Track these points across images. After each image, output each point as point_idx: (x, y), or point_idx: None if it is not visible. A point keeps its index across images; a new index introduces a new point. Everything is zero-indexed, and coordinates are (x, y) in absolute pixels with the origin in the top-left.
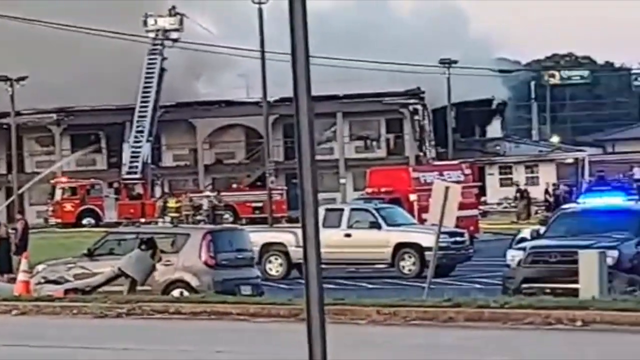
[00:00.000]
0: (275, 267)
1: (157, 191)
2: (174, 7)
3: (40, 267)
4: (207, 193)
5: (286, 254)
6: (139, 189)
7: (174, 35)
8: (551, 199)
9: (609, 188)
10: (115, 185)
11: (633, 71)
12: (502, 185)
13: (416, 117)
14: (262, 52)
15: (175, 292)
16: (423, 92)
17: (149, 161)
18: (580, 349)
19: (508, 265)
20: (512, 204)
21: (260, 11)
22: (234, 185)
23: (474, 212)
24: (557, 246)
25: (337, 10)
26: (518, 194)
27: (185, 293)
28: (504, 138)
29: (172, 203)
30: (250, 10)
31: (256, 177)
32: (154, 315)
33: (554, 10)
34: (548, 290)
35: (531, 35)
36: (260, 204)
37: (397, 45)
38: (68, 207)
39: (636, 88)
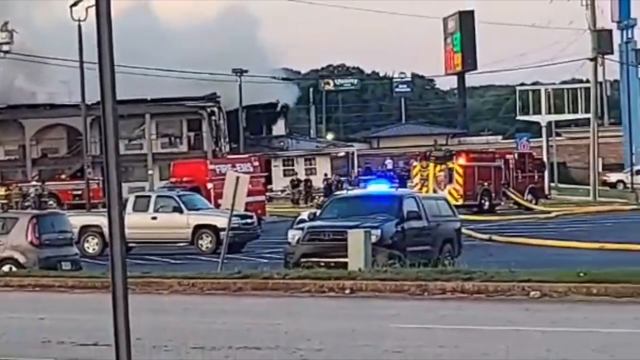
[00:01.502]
0: (92, 245)
1: None
2: (6, 24)
3: None
4: (34, 183)
5: (101, 234)
6: None
7: (5, 47)
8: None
9: (375, 177)
10: None
11: (394, 80)
12: (285, 175)
13: (213, 118)
14: (81, 62)
15: (5, 268)
16: (219, 97)
17: None
18: (348, 311)
19: (289, 243)
20: (295, 191)
21: (79, 27)
22: (57, 176)
23: (261, 197)
24: (330, 226)
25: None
26: (291, 184)
27: (14, 268)
28: (287, 135)
29: (2, 191)
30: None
31: (76, 169)
32: None
33: (329, 26)
34: (323, 264)
35: (310, 48)
36: (79, 192)
37: (198, 55)
38: None
39: (397, 94)
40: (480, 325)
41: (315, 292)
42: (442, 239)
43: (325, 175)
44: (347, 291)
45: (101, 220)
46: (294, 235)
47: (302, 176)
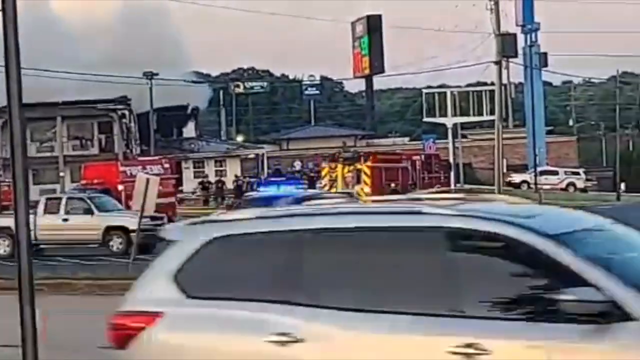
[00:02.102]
0: (3, 247)
1: None
2: None
3: None
4: None
5: (12, 236)
6: None
7: None
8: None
9: (283, 179)
10: None
11: (304, 82)
12: (195, 177)
13: (124, 121)
14: None
15: None
16: (129, 100)
17: None
18: None
19: None
20: (205, 192)
21: None
22: None
23: (172, 199)
24: None
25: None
26: (201, 185)
27: None
28: (198, 138)
29: None
30: None
31: None
32: None
33: (239, 30)
34: None
35: (221, 52)
36: None
37: (108, 57)
38: None
39: (306, 96)
40: None
41: None
42: None
43: (236, 176)
44: None
45: (12, 223)
46: None
47: (212, 178)
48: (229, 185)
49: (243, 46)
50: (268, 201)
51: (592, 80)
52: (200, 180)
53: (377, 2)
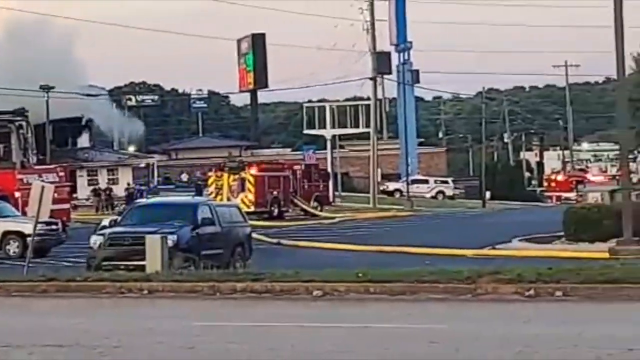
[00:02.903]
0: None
1: None
2: None
3: None
4: None
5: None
6: None
7: None
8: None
9: (172, 187)
10: None
11: (192, 96)
12: (89, 184)
13: (21, 131)
14: None
15: None
16: (27, 111)
17: None
18: (146, 311)
19: (91, 248)
20: (97, 199)
21: None
22: None
23: (66, 205)
24: (130, 232)
25: None
26: (93, 192)
27: None
28: (91, 147)
29: None
30: None
31: None
32: None
33: (132, 45)
34: (122, 267)
35: (115, 66)
36: None
37: (4, 73)
38: None
39: (194, 109)
40: (268, 322)
41: (115, 293)
42: (234, 243)
43: (128, 184)
44: (145, 292)
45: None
46: (95, 240)
47: (105, 185)
48: (120, 192)
49: (136, 61)
50: (156, 207)
51: (461, 96)
52: (92, 188)
53: (261, 21)
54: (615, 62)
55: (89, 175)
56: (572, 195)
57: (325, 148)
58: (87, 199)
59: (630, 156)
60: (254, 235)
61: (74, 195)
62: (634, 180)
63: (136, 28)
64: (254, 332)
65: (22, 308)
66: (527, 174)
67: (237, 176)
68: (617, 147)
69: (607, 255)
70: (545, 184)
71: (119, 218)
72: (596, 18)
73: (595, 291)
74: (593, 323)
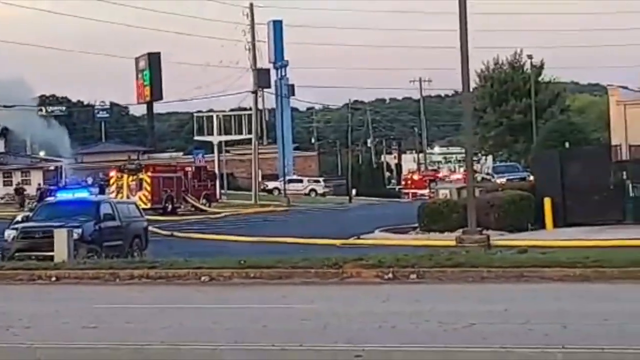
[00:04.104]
0: None
1: None
2: None
3: None
4: None
5: None
6: None
7: None
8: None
9: (78, 186)
10: None
11: (96, 107)
12: (4, 185)
13: None
14: None
15: None
16: None
17: None
18: (54, 295)
19: (6, 241)
20: (12, 198)
21: None
22: None
23: None
24: (40, 226)
25: None
26: (15, 192)
27: None
28: (7, 153)
29: None
30: None
31: None
32: None
33: (43, 63)
34: (34, 257)
35: (26, 81)
36: None
37: None
38: None
39: (98, 119)
40: (162, 304)
41: (27, 280)
42: (132, 235)
43: (39, 184)
44: (54, 279)
45: None
46: (9, 234)
47: (19, 186)
48: (33, 192)
49: (46, 76)
50: (63, 204)
51: (330, 107)
52: (15, 187)
53: (156, 41)
54: (461, 77)
55: (4, 176)
56: (425, 192)
57: (213, 152)
58: (1, 198)
59: (475, 158)
60: (150, 228)
61: None
62: (478, 179)
63: (45, 47)
64: (149, 312)
65: None
66: (387, 174)
67: (135, 177)
68: (463, 150)
69: (454, 243)
70: (402, 182)
71: (31, 214)
72: (446, 40)
73: (444, 274)
74: (442, 301)
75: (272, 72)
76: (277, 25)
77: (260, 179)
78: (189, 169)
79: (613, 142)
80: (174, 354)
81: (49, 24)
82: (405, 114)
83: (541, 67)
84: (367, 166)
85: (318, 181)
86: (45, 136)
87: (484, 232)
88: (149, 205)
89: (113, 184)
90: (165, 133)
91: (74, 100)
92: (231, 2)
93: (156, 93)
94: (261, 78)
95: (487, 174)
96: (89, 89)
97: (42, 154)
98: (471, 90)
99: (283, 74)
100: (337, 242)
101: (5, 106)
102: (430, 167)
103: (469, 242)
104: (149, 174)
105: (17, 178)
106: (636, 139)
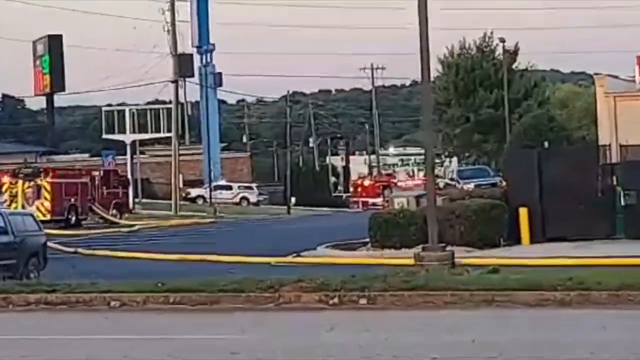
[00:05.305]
0: None
1: None
2: None
3: None
4: None
5: None
6: None
7: None
8: None
9: None
10: None
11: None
12: None
13: None
14: None
15: None
16: None
17: None
18: None
19: None
20: None
21: None
22: None
23: None
24: None
25: None
26: None
27: None
28: None
29: None
30: None
31: None
32: None
33: None
34: None
35: None
36: None
37: None
38: None
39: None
40: (63, 334)
41: None
42: (28, 253)
43: None
44: None
45: None
46: None
47: None
48: None
49: None
50: None
51: (265, 99)
52: None
53: (58, 22)
54: (420, 64)
55: None
56: (378, 200)
57: (125, 153)
58: None
59: (437, 160)
60: (49, 244)
61: None
62: (441, 185)
63: None
64: (48, 344)
65: None
66: (333, 179)
67: (32, 183)
68: (422, 151)
69: (412, 261)
70: (351, 189)
71: None
72: (401, 19)
73: (401, 298)
74: (398, 330)
75: (196, 58)
76: (202, 3)
77: (181, 185)
78: (97, 173)
79: (601, 141)
80: None
81: None
82: (354, 108)
83: (515, 52)
84: (308, 170)
85: (250, 188)
86: None
87: (448, 248)
88: (48, 217)
89: (5, 191)
90: (68, 130)
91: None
92: None
93: (57, 83)
94: (183, 65)
95: (452, 179)
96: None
97: None
98: (432, 79)
99: (209, 60)
100: (272, 260)
101: None
102: (384, 171)
103: (429, 260)
104: (49, 179)
105: None
106: (628, 137)
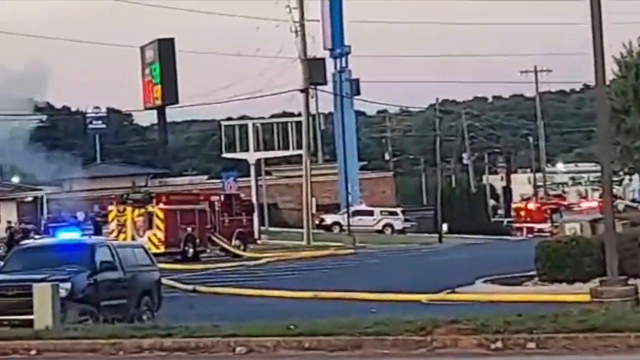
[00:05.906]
0: None
1: None
2: None
3: None
4: None
5: None
6: None
7: None
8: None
9: (66, 224)
10: None
11: (88, 115)
12: None
13: None
14: None
15: None
16: None
17: None
18: None
19: None
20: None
21: None
22: None
23: None
24: (13, 280)
25: None
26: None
27: None
28: None
29: None
30: None
31: None
32: None
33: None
34: (6, 323)
35: None
36: None
37: None
38: None
39: (91, 130)
40: None
41: None
42: (139, 291)
43: (9, 222)
44: (33, 352)
45: None
46: None
47: None
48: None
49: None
50: (45, 250)
51: (410, 109)
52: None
53: (167, 24)
54: (594, 65)
55: None
56: (546, 226)
57: (248, 175)
58: None
59: (615, 178)
60: (164, 281)
61: None
62: (620, 207)
63: (8, 33)
64: None
65: None
66: (491, 202)
67: (143, 210)
68: (598, 167)
69: (588, 298)
70: (513, 213)
71: (1, 264)
72: (570, 12)
73: (575, 341)
74: None
75: (329, 63)
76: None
77: (314, 210)
78: (216, 198)
79: None
80: None
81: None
82: (514, 118)
83: None
84: (462, 191)
85: (395, 213)
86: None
87: (630, 281)
88: (162, 249)
89: (112, 220)
90: (182, 149)
91: (58, 106)
92: None
93: (169, 94)
94: (313, 71)
95: (633, 200)
96: (77, 91)
97: (15, 180)
98: (607, 83)
99: (343, 64)
100: (423, 297)
101: None
102: (551, 192)
103: (608, 295)
104: (162, 205)
105: None
106: None
